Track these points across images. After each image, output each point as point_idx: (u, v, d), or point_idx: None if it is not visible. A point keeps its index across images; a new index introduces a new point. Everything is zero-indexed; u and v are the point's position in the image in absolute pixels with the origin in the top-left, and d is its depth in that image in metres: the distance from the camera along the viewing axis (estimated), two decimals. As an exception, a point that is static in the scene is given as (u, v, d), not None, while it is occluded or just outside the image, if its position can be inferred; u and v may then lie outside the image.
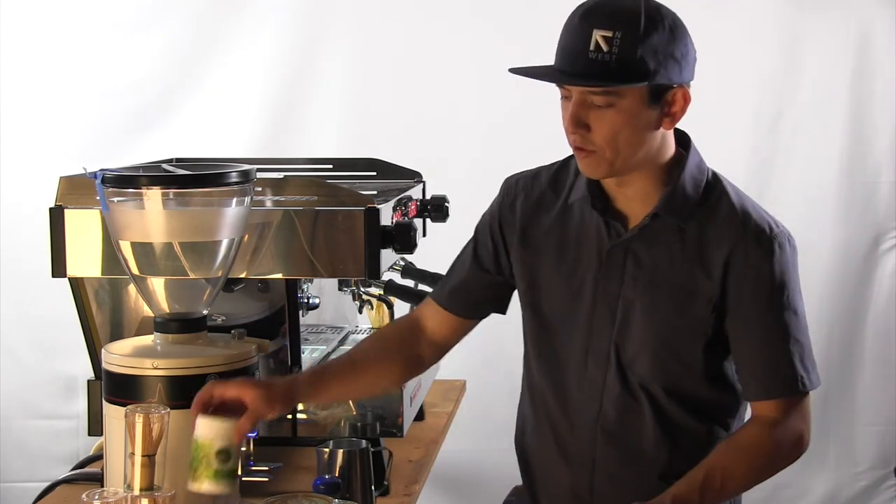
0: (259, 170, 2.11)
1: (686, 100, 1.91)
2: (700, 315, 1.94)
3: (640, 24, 1.83)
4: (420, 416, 2.63)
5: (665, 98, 1.89)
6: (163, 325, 2.03)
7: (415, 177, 2.76)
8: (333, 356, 2.56)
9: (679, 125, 1.99)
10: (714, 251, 1.93)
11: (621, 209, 1.98)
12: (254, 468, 2.01)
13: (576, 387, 2.02)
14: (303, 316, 2.30)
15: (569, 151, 1.99)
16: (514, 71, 1.91)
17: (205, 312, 2.07)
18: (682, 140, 2.00)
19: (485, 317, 2.16)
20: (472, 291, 2.13)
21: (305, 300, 2.32)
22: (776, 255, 1.92)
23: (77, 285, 2.26)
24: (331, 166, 2.79)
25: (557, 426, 2.06)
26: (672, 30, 1.87)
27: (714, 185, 1.98)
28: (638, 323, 1.96)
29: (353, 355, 2.13)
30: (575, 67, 1.85)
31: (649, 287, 1.95)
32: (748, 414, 2.04)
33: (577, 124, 1.88)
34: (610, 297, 1.97)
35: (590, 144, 1.89)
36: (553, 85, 1.95)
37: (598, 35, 1.82)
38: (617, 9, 1.84)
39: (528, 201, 2.07)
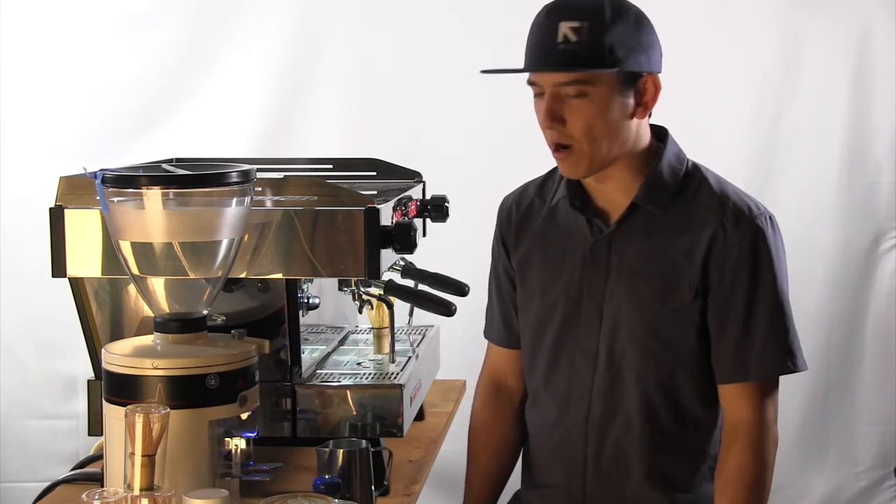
0: (259, 170, 2.11)
1: (657, 87, 1.95)
2: (685, 301, 1.95)
3: (605, 14, 1.88)
4: (420, 416, 2.63)
5: (636, 87, 1.93)
6: (163, 325, 2.03)
7: (415, 177, 2.76)
8: (333, 356, 2.57)
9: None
10: (695, 236, 1.96)
11: (602, 205, 2.01)
12: (254, 468, 2.01)
13: (566, 385, 2.03)
14: (303, 316, 2.30)
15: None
16: (485, 71, 1.95)
17: (205, 312, 2.07)
18: (660, 134, 2.03)
19: None
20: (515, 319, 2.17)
21: (305, 300, 2.32)
22: (757, 235, 1.95)
23: (77, 285, 2.26)
24: (331, 166, 2.79)
25: (551, 425, 2.07)
26: (636, 19, 1.92)
27: (693, 174, 2.01)
28: (626, 316, 1.97)
29: (477, 463, 2.23)
30: (546, 60, 1.90)
31: (632, 279, 1.97)
32: None
33: (553, 118, 1.91)
34: (596, 293, 1.99)
35: (566, 139, 1.92)
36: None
37: (565, 27, 1.88)
38: (581, 3, 1.90)
39: (519, 211, 2.14)
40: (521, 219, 2.12)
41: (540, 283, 2.07)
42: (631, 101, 1.93)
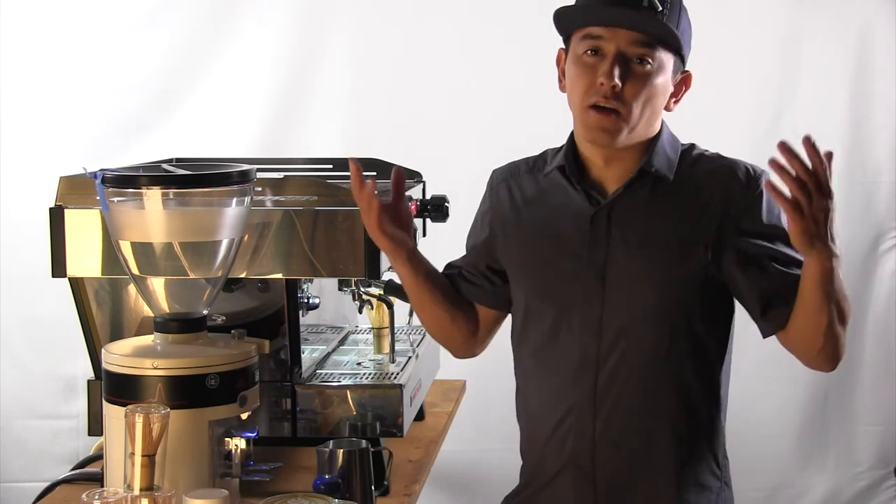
0: (259, 170, 2.11)
1: (689, 86, 2.01)
2: (701, 262, 1.97)
3: (681, 2, 1.95)
4: (420, 416, 2.63)
5: (678, 78, 1.99)
6: (163, 325, 2.04)
7: (415, 177, 2.76)
8: (333, 356, 2.57)
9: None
10: (705, 198, 1.99)
11: (597, 179, 2.02)
12: (254, 468, 2.01)
13: (568, 357, 2.03)
14: (303, 316, 2.31)
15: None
16: (561, 10, 1.95)
17: (205, 312, 2.07)
18: None
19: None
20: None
21: (305, 300, 2.32)
22: (765, 191, 1.98)
23: (77, 285, 2.26)
24: (331, 166, 2.79)
25: (550, 402, 2.06)
26: (689, 19, 1.98)
27: (690, 149, 2.06)
28: (634, 284, 1.98)
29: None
30: (632, 16, 1.91)
31: (641, 247, 1.98)
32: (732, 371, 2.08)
33: (616, 76, 1.91)
34: (597, 264, 1.99)
35: (617, 102, 1.92)
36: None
37: None
38: None
39: (511, 188, 2.13)
40: (513, 195, 2.11)
41: (534, 259, 2.06)
42: (671, 90, 1.98)
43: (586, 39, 1.94)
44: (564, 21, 1.98)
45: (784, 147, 1.73)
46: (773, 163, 1.74)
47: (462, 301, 2.19)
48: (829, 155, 1.77)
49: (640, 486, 2.02)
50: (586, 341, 2.01)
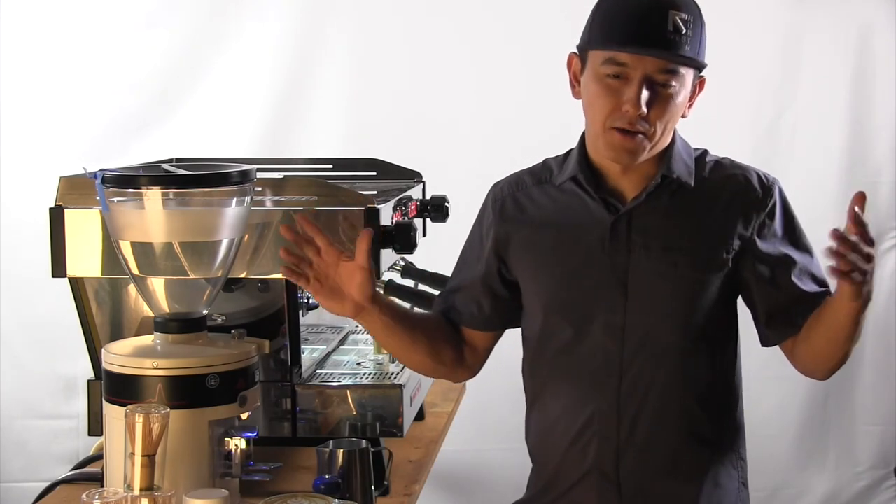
0: (259, 170, 2.11)
1: (702, 89, 2.03)
2: (721, 268, 1.99)
3: (701, 14, 1.95)
4: (420, 416, 2.63)
5: (695, 85, 1.99)
6: (163, 325, 2.04)
7: (415, 177, 2.77)
8: (333, 356, 2.57)
9: (679, 124, 2.03)
10: (723, 206, 2.01)
11: (614, 186, 2.02)
12: (254, 468, 2.01)
13: (589, 365, 2.02)
14: (303, 316, 2.31)
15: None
16: (582, 48, 1.97)
17: (205, 312, 2.07)
18: None
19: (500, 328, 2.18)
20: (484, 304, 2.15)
21: (305, 300, 2.32)
22: (779, 198, 2.04)
23: (77, 285, 2.26)
24: (331, 166, 2.79)
25: (571, 412, 2.05)
26: (704, 24, 1.98)
27: (703, 156, 2.08)
28: (657, 290, 1.99)
29: (416, 315, 2.18)
30: (657, 44, 1.91)
31: (663, 252, 1.99)
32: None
33: (643, 103, 1.92)
34: (618, 269, 2.00)
35: (643, 125, 1.93)
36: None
37: (676, 16, 1.91)
38: None
39: (518, 200, 2.11)
40: (518, 206, 2.10)
41: (553, 270, 2.05)
42: (687, 100, 1.99)
43: (610, 64, 1.92)
44: (588, 44, 1.98)
45: (837, 235, 1.79)
46: (834, 252, 1.79)
47: (442, 332, 2.15)
48: (862, 197, 1.81)
49: (664, 488, 2.02)
50: (609, 348, 2.01)
